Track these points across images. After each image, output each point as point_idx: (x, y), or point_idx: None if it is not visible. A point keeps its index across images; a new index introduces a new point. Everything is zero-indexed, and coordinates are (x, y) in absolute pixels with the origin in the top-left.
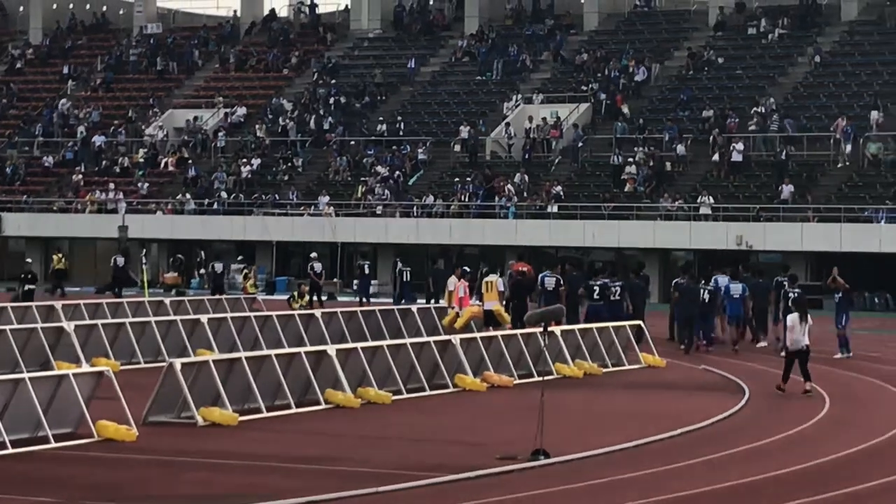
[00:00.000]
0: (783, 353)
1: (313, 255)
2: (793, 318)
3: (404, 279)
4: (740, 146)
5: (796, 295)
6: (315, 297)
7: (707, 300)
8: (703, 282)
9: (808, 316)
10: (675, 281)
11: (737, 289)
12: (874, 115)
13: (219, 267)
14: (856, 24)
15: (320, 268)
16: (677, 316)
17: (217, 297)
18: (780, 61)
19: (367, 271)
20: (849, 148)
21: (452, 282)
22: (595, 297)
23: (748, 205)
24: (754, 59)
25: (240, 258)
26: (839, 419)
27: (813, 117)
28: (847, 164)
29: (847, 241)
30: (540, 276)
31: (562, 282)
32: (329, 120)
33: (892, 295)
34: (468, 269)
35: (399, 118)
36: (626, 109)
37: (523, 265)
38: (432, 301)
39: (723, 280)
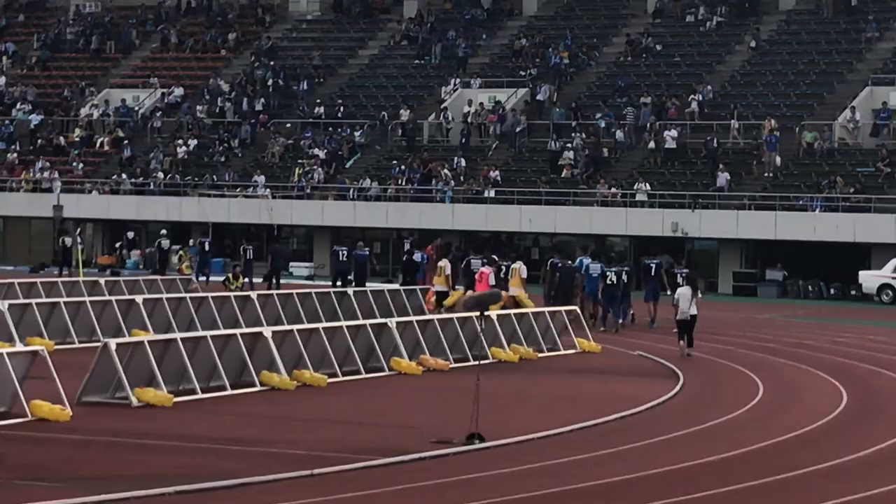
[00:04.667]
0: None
1: (163, 232)
2: (682, 291)
3: (248, 257)
4: (673, 133)
5: (685, 273)
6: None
7: (615, 282)
8: (570, 262)
9: (698, 291)
10: (550, 261)
11: (595, 268)
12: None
13: (165, 243)
14: (793, 12)
15: (168, 244)
16: (557, 296)
17: (158, 276)
18: (717, 49)
19: (250, 256)
20: (777, 159)
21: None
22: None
23: (684, 192)
24: (692, 46)
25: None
26: (773, 405)
27: (749, 105)
28: (769, 175)
29: (782, 229)
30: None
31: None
32: (262, 101)
33: (825, 283)
34: (496, 258)
35: (338, 101)
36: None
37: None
38: (273, 280)
39: (586, 261)
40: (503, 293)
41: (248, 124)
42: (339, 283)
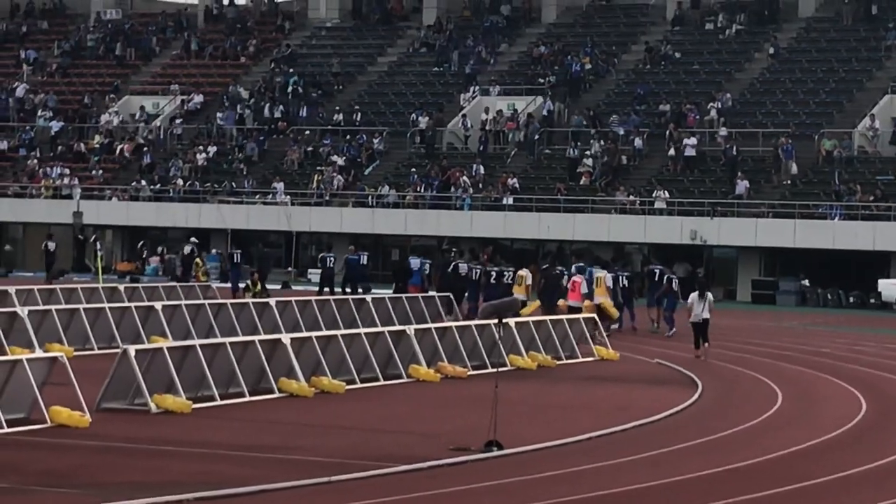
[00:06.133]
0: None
1: (192, 239)
2: (693, 296)
3: (235, 261)
4: (693, 141)
5: (676, 278)
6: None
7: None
8: (562, 269)
9: (708, 294)
10: (543, 267)
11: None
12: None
13: (187, 249)
14: (813, 20)
15: (189, 250)
16: (546, 300)
17: (183, 283)
18: (736, 57)
19: (237, 259)
20: (793, 168)
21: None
22: (492, 281)
23: (703, 200)
24: (711, 54)
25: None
26: (791, 414)
27: (769, 113)
28: (787, 183)
29: (801, 237)
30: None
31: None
32: (280, 108)
33: (844, 291)
34: (583, 265)
35: (356, 108)
36: None
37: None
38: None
39: (581, 267)
40: (588, 304)
41: (255, 141)
42: (325, 290)
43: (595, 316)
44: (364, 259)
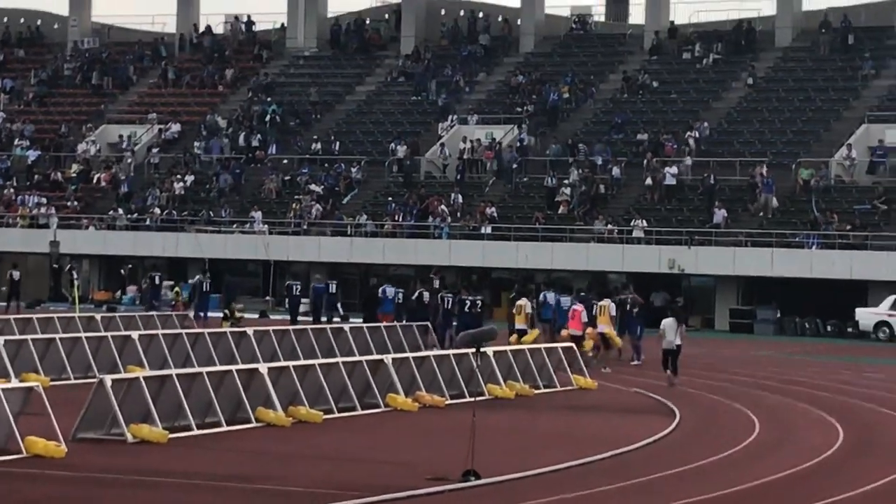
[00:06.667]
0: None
1: (207, 273)
2: (666, 322)
3: (204, 289)
4: (673, 170)
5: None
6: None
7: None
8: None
9: (682, 323)
10: (511, 297)
11: (566, 301)
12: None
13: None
14: (790, 50)
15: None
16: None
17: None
18: (714, 86)
19: (206, 288)
20: (774, 201)
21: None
22: (466, 310)
23: (681, 228)
24: (689, 83)
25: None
26: (769, 443)
27: (746, 142)
28: (765, 215)
29: (778, 266)
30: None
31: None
32: (258, 137)
33: (822, 320)
34: (585, 294)
35: (334, 137)
36: None
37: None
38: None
39: (550, 295)
40: (591, 331)
41: (230, 171)
42: (296, 317)
43: (573, 345)
44: (332, 287)
